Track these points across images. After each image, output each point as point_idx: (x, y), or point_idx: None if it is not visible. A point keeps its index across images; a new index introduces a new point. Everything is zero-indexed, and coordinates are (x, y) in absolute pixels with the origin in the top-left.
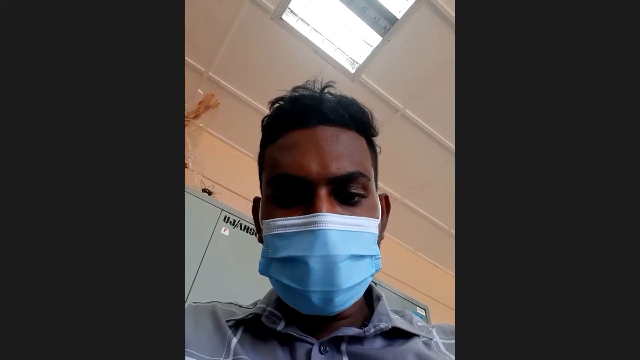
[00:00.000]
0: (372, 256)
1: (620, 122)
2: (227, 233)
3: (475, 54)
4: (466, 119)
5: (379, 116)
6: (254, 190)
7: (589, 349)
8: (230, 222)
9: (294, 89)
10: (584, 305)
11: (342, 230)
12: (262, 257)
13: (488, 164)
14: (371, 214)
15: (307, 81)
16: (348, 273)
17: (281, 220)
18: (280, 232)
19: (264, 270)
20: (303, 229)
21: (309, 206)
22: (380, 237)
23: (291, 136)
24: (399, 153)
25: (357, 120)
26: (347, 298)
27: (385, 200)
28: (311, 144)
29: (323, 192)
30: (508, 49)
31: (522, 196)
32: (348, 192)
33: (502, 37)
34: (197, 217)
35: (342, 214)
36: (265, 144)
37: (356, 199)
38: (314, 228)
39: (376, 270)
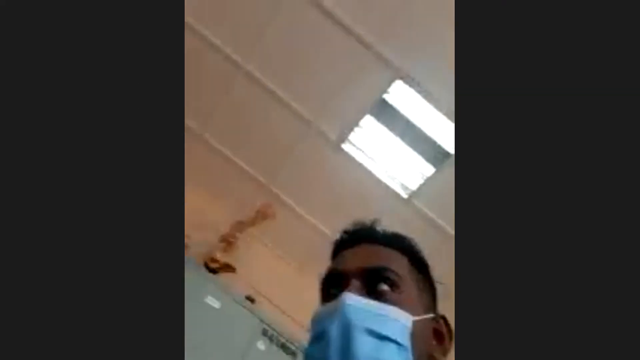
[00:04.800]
0: (399, 345)
1: (617, 119)
2: (263, 347)
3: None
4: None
5: (429, 241)
6: (298, 306)
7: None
8: (268, 337)
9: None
10: (584, 303)
11: (364, 308)
12: (305, 347)
13: (487, 169)
14: (401, 307)
15: (365, 218)
16: (367, 347)
17: (319, 308)
18: (315, 317)
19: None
20: (330, 309)
21: None
22: (429, 355)
23: (341, 253)
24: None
25: (401, 244)
26: None
27: (444, 321)
28: (353, 254)
29: (354, 282)
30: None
31: (521, 200)
32: (378, 290)
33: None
34: (235, 324)
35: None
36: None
37: (386, 296)
38: (337, 304)
39: None
